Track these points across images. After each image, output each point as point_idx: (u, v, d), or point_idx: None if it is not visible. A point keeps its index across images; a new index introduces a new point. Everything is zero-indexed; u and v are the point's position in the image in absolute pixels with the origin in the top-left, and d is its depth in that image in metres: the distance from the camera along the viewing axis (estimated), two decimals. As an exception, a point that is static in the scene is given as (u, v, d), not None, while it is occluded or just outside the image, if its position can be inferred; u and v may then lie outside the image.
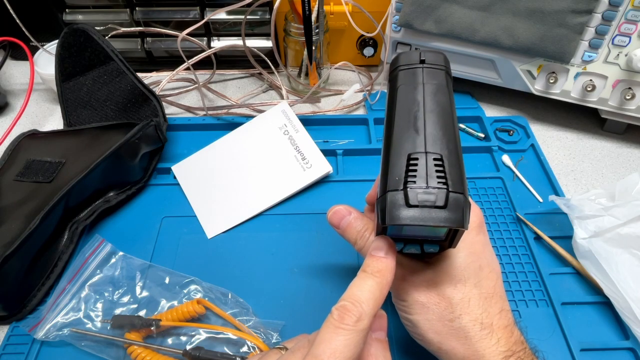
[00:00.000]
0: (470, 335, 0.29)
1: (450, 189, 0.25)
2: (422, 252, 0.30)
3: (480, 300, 0.30)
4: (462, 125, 0.58)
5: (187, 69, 0.59)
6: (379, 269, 0.27)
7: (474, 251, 0.31)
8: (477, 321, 0.30)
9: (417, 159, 0.26)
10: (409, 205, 0.25)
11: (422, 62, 0.30)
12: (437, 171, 0.25)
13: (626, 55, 0.50)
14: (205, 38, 0.66)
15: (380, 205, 0.26)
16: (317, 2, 0.56)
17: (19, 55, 0.70)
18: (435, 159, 0.26)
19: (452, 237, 0.28)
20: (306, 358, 0.24)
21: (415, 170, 0.26)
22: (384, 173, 0.27)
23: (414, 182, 0.25)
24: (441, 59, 0.30)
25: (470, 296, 0.30)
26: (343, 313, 0.25)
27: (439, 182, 0.25)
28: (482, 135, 0.57)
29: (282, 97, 0.64)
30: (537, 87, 0.56)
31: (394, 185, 0.26)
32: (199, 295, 0.41)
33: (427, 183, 0.25)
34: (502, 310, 0.31)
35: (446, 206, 0.25)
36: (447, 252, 0.31)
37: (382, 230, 0.28)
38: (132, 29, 0.62)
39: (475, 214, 0.32)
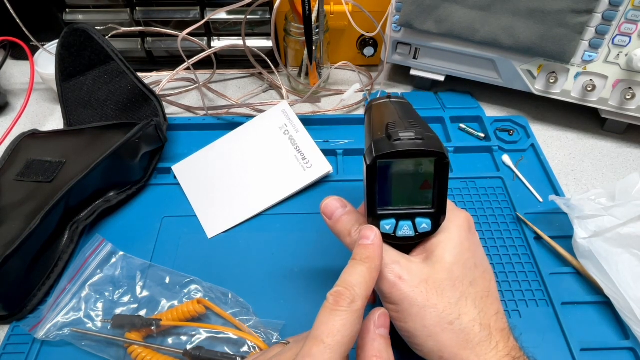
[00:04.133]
0: (471, 337, 0.29)
1: (425, 132, 0.30)
2: (416, 233, 0.31)
3: (476, 300, 0.30)
4: (462, 125, 0.59)
5: (188, 68, 0.59)
6: (367, 255, 0.29)
7: (469, 248, 0.31)
8: (475, 322, 0.29)
9: (394, 122, 0.31)
10: (392, 140, 0.29)
11: (389, 97, 0.37)
12: (412, 125, 0.31)
13: (626, 55, 0.50)
14: (205, 38, 0.66)
15: (367, 152, 0.30)
16: (317, 2, 0.56)
17: (19, 55, 0.70)
18: (409, 121, 0.32)
19: (440, 202, 0.31)
20: (307, 340, 0.26)
21: (394, 127, 0.30)
22: (369, 139, 0.31)
23: (394, 129, 0.30)
24: (404, 98, 0.38)
25: (467, 295, 0.30)
26: (337, 297, 0.27)
27: (415, 130, 0.30)
28: (482, 135, 0.57)
29: (282, 97, 0.64)
30: (537, 87, 0.56)
31: (377, 136, 0.30)
32: (199, 295, 0.41)
33: (405, 128, 0.30)
34: (498, 313, 0.31)
35: (423, 139, 0.29)
36: (442, 250, 0.31)
37: (371, 197, 0.30)
38: (133, 28, 0.62)
39: (465, 216, 0.33)
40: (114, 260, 0.44)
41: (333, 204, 0.34)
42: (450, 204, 0.33)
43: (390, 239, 0.32)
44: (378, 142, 0.29)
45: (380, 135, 0.30)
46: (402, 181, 0.30)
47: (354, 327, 0.27)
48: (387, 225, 0.31)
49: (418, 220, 0.31)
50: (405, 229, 0.31)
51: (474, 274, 0.31)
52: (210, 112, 0.60)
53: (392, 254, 0.31)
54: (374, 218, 0.31)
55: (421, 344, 0.30)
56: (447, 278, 0.30)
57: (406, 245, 0.33)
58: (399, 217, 0.31)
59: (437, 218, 0.31)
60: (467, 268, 0.31)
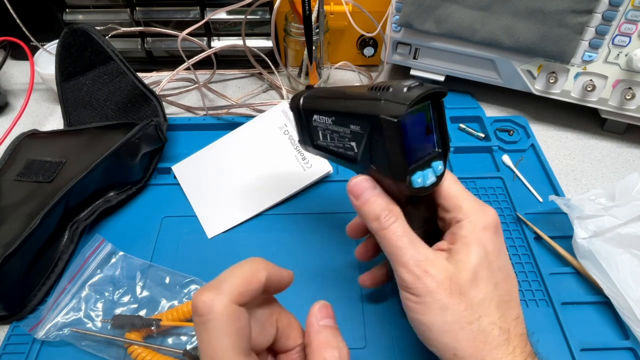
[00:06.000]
0: (489, 340, 0.28)
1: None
2: (436, 177, 0.31)
3: (499, 302, 0.29)
4: (462, 125, 0.59)
5: (187, 68, 0.59)
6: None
7: (494, 250, 0.31)
8: (495, 325, 0.29)
9: (373, 86, 0.31)
10: (404, 92, 0.28)
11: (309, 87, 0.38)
12: (390, 83, 0.30)
13: (626, 55, 0.50)
14: (205, 38, 0.66)
15: (384, 110, 0.29)
16: (317, 2, 0.56)
17: (19, 55, 0.70)
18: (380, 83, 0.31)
19: (443, 141, 0.31)
20: None
21: (382, 86, 0.30)
22: (365, 105, 0.30)
23: (388, 86, 0.30)
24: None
25: (490, 297, 0.29)
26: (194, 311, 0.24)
27: (402, 82, 0.29)
28: (482, 135, 0.57)
29: (282, 97, 0.64)
30: (537, 87, 0.56)
31: (375, 97, 0.29)
32: (199, 295, 0.41)
33: (397, 83, 0.29)
34: (517, 317, 0.30)
35: (422, 84, 0.29)
36: (468, 250, 0.30)
37: (398, 157, 0.29)
38: (132, 28, 0.62)
39: (493, 216, 0.32)
40: (114, 260, 0.44)
41: (363, 184, 0.32)
42: (477, 200, 0.32)
43: (421, 192, 0.31)
44: (394, 96, 0.28)
45: (379, 95, 0.29)
46: (417, 131, 0.30)
47: (228, 337, 0.24)
48: (419, 178, 0.30)
49: (434, 164, 0.31)
50: (431, 177, 0.31)
51: (498, 276, 0.30)
52: (210, 112, 0.60)
53: (420, 248, 0.30)
54: (405, 177, 0.30)
55: (436, 339, 0.29)
56: (472, 278, 0.29)
57: (425, 202, 0.33)
58: (422, 168, 0.31)
59: (446, 156, 0.32)
60: (492, 270, 0.30)
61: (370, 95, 0.30)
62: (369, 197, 0.31)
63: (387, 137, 0.29)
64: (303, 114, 0.36)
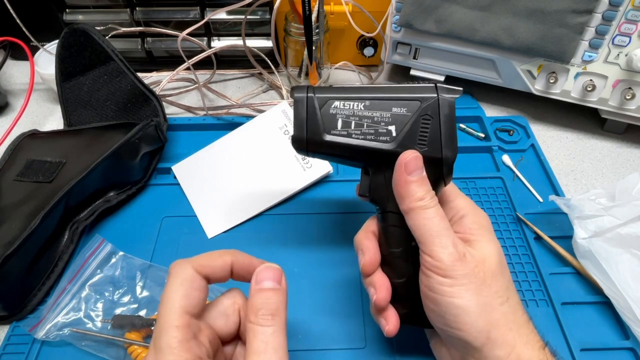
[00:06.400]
0: (516, 318, 0.30)
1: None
2: None
3: (514, 288, 0.32)
4: (462, 125, 0.59)
5: (187, 69, 0.59)
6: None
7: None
8: (519, 305, 0.31)
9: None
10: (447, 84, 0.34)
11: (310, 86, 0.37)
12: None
13: (626, 55, 0.50)
14: (205, 38, 0.66)
15: (448, 95, 0.33)
16: (317, 2, 0.56)
17: (19, 55, 0.70)
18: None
19: None
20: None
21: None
22: (418, 90, 0.34)
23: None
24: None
25: (510, 281, 0.32)
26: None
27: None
28: (482, 135, 0.57)
29: (282, 97, 0.64)
30: (537, 87, 0.56)
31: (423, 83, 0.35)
32: (199, 295, 0.41)
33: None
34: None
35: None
36: (487, 240, 0.32)
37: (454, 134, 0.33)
38: (132, 29, 0.62)
39: (485, 213, 0.35)
40: (114, 260, 0.44)
41: (419, 161, 0.32)
42: (469, 199, 0.35)
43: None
44: (442, 86, 0.34)
45: (426, 84, 0.34)
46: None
47: (180, 293, 0.27)
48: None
49: None
50: None
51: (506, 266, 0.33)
52: (210, 112, 0.60)
53: (454, 233, 0.32)
54: (456, 155, 0.33)
55: (471, 323, 0.29)
56: (500, 263, 0.32)
57: None
58: None
59: None
60: (504, 261, 0.33)
61: (417, 84, 0.34)
62: (419, 177, 0.32)
63: (446, 116, 0.33)
64: (316, 102, 0.35)
